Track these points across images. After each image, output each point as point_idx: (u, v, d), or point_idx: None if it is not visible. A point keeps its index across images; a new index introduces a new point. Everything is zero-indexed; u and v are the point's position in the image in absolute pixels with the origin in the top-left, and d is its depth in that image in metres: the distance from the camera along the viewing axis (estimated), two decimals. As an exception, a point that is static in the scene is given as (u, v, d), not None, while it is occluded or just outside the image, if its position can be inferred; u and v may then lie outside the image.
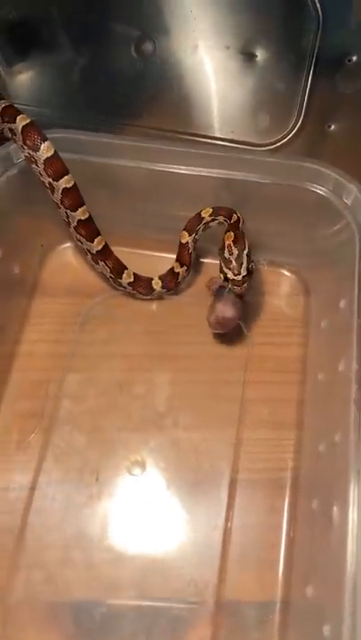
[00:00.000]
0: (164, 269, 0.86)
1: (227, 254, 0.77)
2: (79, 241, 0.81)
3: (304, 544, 0.70)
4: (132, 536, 0.73)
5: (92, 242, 0.80)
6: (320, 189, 0.76)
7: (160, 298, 0.87)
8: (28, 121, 0.73)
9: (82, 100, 0.90)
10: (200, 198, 0.82)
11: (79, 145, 0.78)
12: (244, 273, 0.76)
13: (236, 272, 0.76)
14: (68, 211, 0.77)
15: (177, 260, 0.84)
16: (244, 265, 0.77)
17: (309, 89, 0.85)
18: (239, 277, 0.76)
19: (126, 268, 0.84)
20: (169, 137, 0.86)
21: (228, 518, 0.73)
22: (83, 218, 0.78)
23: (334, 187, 0.76)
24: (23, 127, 0.73)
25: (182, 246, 0.83)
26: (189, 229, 0.82)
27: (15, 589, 0.70)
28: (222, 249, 0.78)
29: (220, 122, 0.88)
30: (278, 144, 0.88)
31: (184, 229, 0.82)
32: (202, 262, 0.90)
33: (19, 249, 0.85)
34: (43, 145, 0.73)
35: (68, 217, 0.78)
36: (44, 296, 0.87)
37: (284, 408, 0.79)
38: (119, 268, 0.83)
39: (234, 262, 0.77)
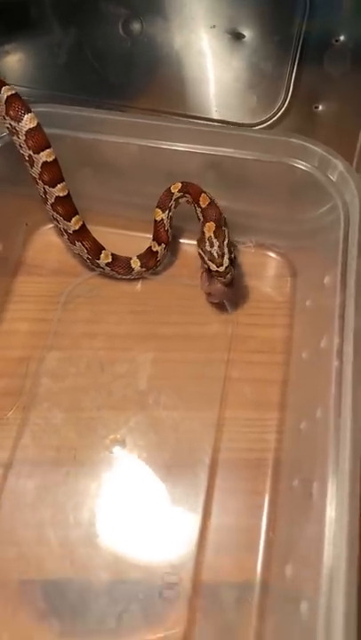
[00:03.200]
0: (138, 245, 0.85)
1: (207, 246, 0.77)
2: (56, 220, 0.80)
3: (284, 524, 0.68)
4: (108, 516, 0.71)
5: (69, 221, 0.79)
6: (305, 165, 0.75)
7: (141, 277, 0.85)
8: (12, 92, 0.73)
9: (70, 79, 0.90)
10: (186, 176, 0.81)
11: (65, 120, 0.77)
12: (226, 264, 0.76)
13: (218, 264, 0.76)
14: (47, 186, 0.76)
15: (154, 238, 0.83)
16: (226, 256, 0.76)
17: (297, 69, 0.84)
18: (222, 269, 0.76)
19: (104, 249, 0.82)
20: (155, 116, 0.85)
21: (207, 500, 0.71)
22: (61, 195, 0.76)
23: (320, 162, 0.75)
24: (8, 97, 0.72)
25: (157, 224, 0.82)
26: (162, 206, 0.81)
27: (-14, 567, 0.68)
28: (202, 240, 0.78)
29: (208, 101, 0.88)
30: (266, 124, 0.88)
31: (157, 206, 0.81)
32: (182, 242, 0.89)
33: (2, 227, 0.84)
34: (26, 116, 0.72)
35: (45, 193, 0.77)
36: (28, 275, 0.86)
37: (268, 388, 0.77)
38: (96, 249, 0.82)
39: (216, 254, 0.76)
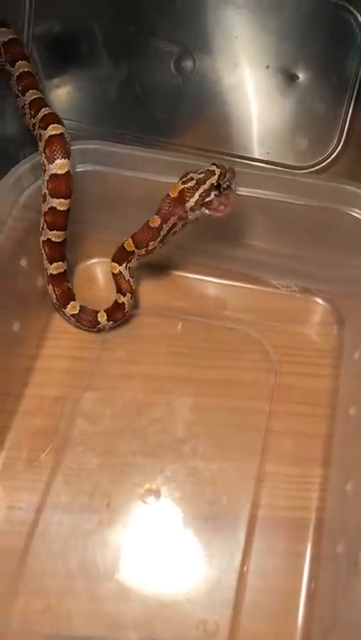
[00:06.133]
0: (180, 287, 0.85)
1: (196, 194, 0.71)
2: (42, 255, 0.78)
3: (326, 593, 0.64)
4: (140, 569, 0.68)
5: (50, 264, 0.78)
6: (356, 212, 0.73)
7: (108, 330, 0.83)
8: (57, 131, 0.72)
9: (118, 114, 0.89)
10: (232, 219, 0.79)
11: (109, 157, 0.76)
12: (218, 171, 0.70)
13: (216, 175, 0.70)
14: (46, 226, 0.75)
15: (117, 291, 0.80)
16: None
17: (352, 112, 0.82)
18: (215, 177, 0.70)
19: (74, 300, 0.80)
20: (205, 155, 0.83)
21: (244, 559, 0.68)
22: (53, 239, 0.76)
23: (373, 210, 0.72)
24: (50, 136, 0.72)
25: (116, 276, 0.79)
26: (118, 260, 0.78)
27: (12, 617, 0.65)
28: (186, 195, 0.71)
29: (257, 142, 0.86)
30: (316, 167, 0.85)
31: (112, 260, 0.78)
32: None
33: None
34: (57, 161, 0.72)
35: (42, 229, 0.76)
36: (67, 311, 0.85)
37: (311, 443, 0.74)
38: (66, 298, 0.80)
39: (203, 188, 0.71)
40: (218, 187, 0.71)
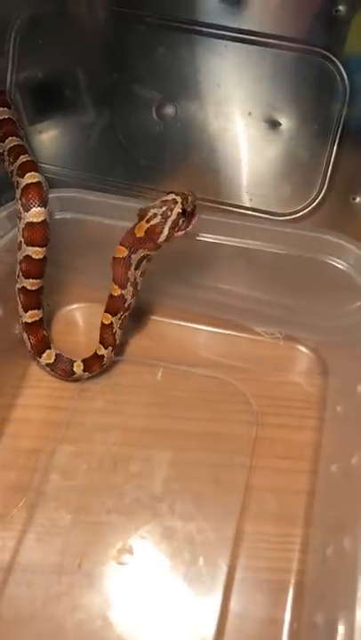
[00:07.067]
0: (161, 333, 0.85)
1: (163, 221, 0.70)
2: (18, 303, 0.77)
3: (305, 665, 0.61)
4: (112, 636, 0.65)
5: (25, 312, 0.76)
6: (340, 263, 0.71)
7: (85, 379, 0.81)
8: (34, 180, 0.71)
9: (101, 160, 0.89)
10: (214, 266, 0.78)
11: (89, 205, 0.76)
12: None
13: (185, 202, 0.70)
14: (22, 274, 0.74)
15: (100, 341, 0.78)
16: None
17: (334, 159, 0.81)
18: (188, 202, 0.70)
19: (49, 348, 0.79)
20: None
21: (219, 625, 0.64)
22: (28, 287, 0.75)
23: (355, 261, 0.71)
24: (26, 185, 0.71)
25: (105, 327, 0.77)
26: (111, 311, 0.76)
27: None
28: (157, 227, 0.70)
29: (240, 189, 0.85)
30: (300, 214, 0.84)
31: (105, 310, 0.76)
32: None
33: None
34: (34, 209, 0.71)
35: (18, 277, 0.75)
36: (46, 358, 0.83)
37: (293, 500, 0.71)
38: (41, 347, 0.78)
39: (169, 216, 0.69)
40: (184, 212, 0.70)
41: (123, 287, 0.74)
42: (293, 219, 0.84)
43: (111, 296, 0.75)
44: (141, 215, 0.71)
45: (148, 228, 0.70)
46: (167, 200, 0.70)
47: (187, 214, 0.70)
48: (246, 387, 0.80)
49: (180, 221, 0.70)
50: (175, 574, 0.68)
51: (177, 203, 0.70)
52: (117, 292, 0.74)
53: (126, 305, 0.76)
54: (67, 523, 0.71)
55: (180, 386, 0.81)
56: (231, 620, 0.65)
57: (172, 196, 0.70)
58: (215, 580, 0.67)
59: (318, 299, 0.77)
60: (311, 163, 0.82)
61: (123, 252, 0.72)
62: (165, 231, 0.70)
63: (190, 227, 0.71)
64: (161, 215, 0.70)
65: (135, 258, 0.72)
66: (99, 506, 0.72)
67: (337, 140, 0.80)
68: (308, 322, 0.81)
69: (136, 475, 0.74)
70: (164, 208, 0.70)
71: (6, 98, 0.83)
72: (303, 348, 0.84)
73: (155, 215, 0.70)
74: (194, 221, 0.71)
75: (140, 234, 0.70)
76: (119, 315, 0.77)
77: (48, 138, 0.90)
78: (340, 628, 0.55)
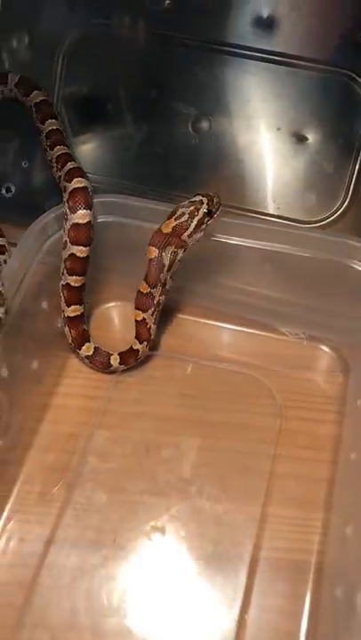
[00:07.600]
0: (191, 331, 0.89)
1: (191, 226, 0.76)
2: (61, 298, 0.83)
3: (325, 635, 0.65)
4: (142, 606, 0.69)
5: (68, 307, 0.82)
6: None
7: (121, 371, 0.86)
8: (81, 185, 0.78)
9: (140, 170, 0.95)
10: (241, 268, 0.84)
11: (129, 209, 0.82)
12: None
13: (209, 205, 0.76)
14: (66, 272, 0.80)
15: (136, 336, 0.83)
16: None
17: (357, 172, 0.87)
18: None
19: (89, 341, 0.84)
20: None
21: (245, 599, 0.69)
22: (72, 284, 0.80)
23: (376, 264, 0.76)
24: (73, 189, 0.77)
25: (139, 323, 0.82)
26: (140, 307, 0.81)
27: (17, 649, 0.67)
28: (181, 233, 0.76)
29: (267, 198, 0.91)
30: (324, 222, 0.90)
31: (135, 307, 0.82)
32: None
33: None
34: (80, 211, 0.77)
35: (62, 275, 0.81)
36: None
37: (314, 487, 0.76)
38: (81, 339, 0.84)
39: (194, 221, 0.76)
40: (209, 212, 0.76)
41: (153, 286, 0.80)
42: (318, 227, 0.90)
43: (139, 292, 0.81)
44: (170, 215, 0.77)
45: (175, 225, 0.76)
46: (195, 201, 0.77)
47: (212, 214, 0.77)
48: (271, 382, 0.85)
49: (206, 220, 0.76)
50: (203, 551, 0.72)
51: (203, 203, 0.76)
52: (146, 289, 0.80)
53: (155, 302, 0.81)
54: (103, 501, 0.76)
55: (208, 379, 0.86)
56: (256, 594, 0.69)
57: (199, 197, 0.77)
58: (241, 558, 0.72)
59: (341, 301, 0.82)
60: (336, 174, 0.88)
61: (153, 253, 0.77)
62: (191, 227, 0.76)
63: (211, 220, 0.77)
64: (188, 214, 0.76)
65: (165, 257, 0.77)
66: (132, 487, 0.77)
67: (361, 155, 0.87)
68: (331, 323, 0.86)
69: (167, 459, 0.79)
70: (191, 208, 0.76)
71: (54, 110, 0.90)
72: (326, 348, 0.88)
73: (183, 214, 0.76)
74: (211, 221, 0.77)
75: (166, 230, 0.76)
76: (150, 311, 0.82)
77: (90, 148, 0.97)
78: (359, 599, 0.59)
